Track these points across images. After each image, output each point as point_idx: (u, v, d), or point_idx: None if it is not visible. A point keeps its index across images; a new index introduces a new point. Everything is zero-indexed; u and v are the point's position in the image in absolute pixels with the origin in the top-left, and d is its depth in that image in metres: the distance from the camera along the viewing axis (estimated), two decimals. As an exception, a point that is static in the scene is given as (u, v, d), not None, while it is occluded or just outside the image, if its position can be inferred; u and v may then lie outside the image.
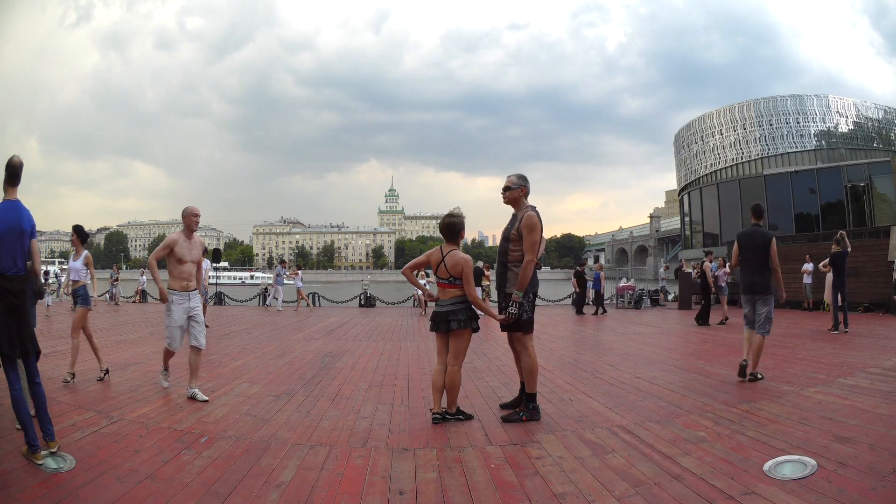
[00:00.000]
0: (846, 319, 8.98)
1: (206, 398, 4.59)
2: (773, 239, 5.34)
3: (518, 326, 3.96)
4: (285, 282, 16.43)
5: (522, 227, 3.89)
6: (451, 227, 3.99)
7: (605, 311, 14.21)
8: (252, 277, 75.46)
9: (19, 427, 3.21)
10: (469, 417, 4.01)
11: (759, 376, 5.16)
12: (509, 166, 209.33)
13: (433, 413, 3.99)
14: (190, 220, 5.06)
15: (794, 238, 21.07)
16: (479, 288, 13.84)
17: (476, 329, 3.96)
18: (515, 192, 4.06)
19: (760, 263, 5.30)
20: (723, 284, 11.59)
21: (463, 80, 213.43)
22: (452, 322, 3.87)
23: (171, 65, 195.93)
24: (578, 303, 14.71)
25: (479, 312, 4.05)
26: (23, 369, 3.21)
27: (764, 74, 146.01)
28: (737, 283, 14.46)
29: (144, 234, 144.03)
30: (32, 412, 3.24)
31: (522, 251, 3.90)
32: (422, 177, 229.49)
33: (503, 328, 4.08)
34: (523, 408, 4.05)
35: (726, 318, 11.07)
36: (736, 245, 5.56)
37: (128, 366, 6.11)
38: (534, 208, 4.00)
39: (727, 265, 11.87)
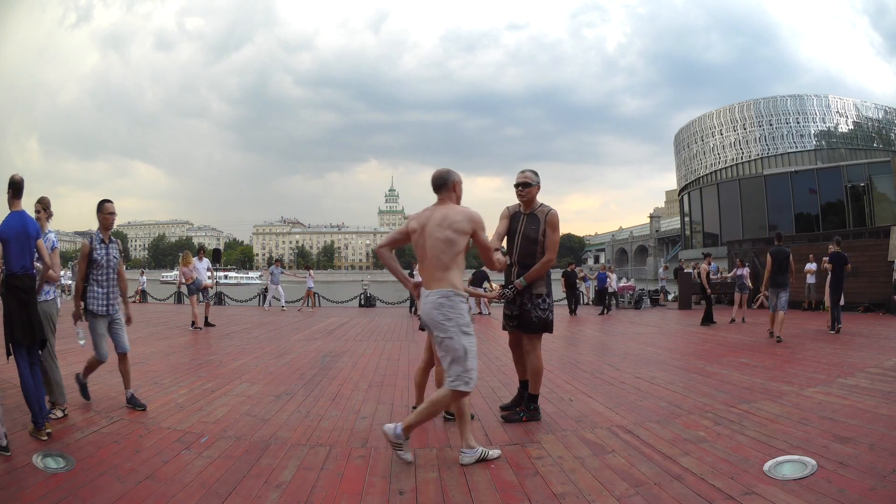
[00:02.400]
0: (839, 318, 8.92)
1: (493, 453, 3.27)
2: (790, 253, 8.49)
3: (545, 327, 3.92)
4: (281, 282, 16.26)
5: (548, 227, 3.84)
6: None
7: (608, 311, 14.14)
8: (226, 277, 70.12)
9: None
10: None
11: (780, 339, 8.02)
12: (509, 166, 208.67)
13: (413, 408, 4.07)
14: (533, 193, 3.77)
15: (794, 238, 21.05)
16: (482, 289, 13.80)
17: None
18: (535, 190, 3.95)
19: (783, 269, 8.33)
20: (746, 282, 11.62)
21: (462, 81, 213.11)
22: None
23: (170, 65, 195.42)
24: (569, 304, 14.61)
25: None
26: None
27: (764, 74, 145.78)
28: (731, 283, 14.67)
29: (144, 234, 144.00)
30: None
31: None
32: (422, 177, 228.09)
33: (527, 329, 3.94)
34: (524, 407, 4.04)
35: (742, 319, 11.09)
36: (769, 258, 8.43)
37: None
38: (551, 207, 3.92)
39: (745, 266, 12.00)
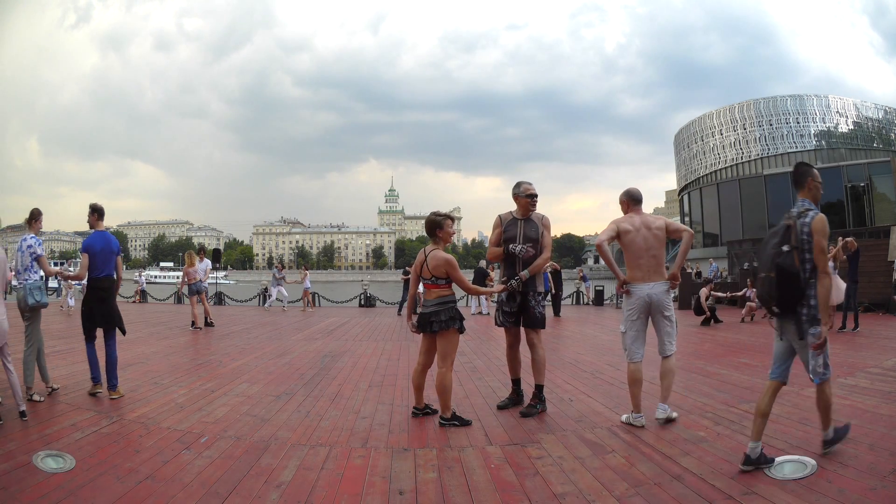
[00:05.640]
0: (856, 319, 9.06)
1: (674, 415, 3.91)
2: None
3: (543, 321, 4.27)
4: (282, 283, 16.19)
5: (545, 229, 4.24)
6: (428, 224, 4.06)
7: (558, 315, 13.87)
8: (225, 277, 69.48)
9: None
10: (466, 423, 3.88)
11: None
12: (508, 167, 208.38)
13: (413, 409, 4.16)
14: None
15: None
16: (484, 286, 13.74)
17: (461, 330, 3.95)
18: None
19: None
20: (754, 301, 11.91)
21: (461, 81, 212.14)
22: (434, 324, 3.88)
23: (169, 65, 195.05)
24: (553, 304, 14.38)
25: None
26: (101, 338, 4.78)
27: (763, 74, 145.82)
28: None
29: (144, 234, 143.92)
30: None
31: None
32: (421, 177, 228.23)
33: (532, 324, 4.22)
34: (537, 400, 4.22)
35: (742, 319, 11.31)
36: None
37: (128, 366, 6.09)
38: None
39: (755, 289, 12.28)
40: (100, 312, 4.74)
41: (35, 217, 4.85)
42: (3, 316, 3.92)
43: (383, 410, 4.33)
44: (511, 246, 4.18)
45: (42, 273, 4.82)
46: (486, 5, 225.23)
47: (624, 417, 3.94)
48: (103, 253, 4.77)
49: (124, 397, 4.59)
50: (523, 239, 4.19)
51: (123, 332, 4.90)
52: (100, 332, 4.80)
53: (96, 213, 4.89)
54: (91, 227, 4.90)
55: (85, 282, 4.90)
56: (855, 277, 9.16)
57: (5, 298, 4.34)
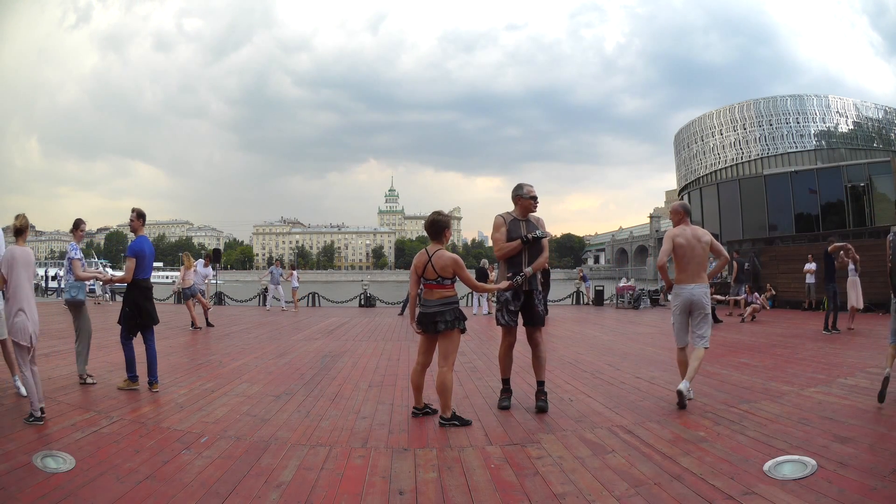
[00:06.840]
0: (835, 320, 9.10)
1: (692, 396, 4.43)
2: (745, 262, 13.87)
3: (544, 319, 4.45)
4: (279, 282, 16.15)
5: (544, 229, 4.40)
6: (434, 223, 3.98)
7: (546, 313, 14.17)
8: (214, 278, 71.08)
9: None
10: (466, 423, 3.88)
11: (744, 319, 11.54)
12: (508, 166, 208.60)
13: (413, 408, 4.15)
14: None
15: (793, 238, 21.02)
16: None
17: (463, 330, 3.95)
18: None
19: (742, 271, 13.54)
20: (757, 302, 12.29)
21: (461, 81, 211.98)
22: (440, 324, 3.85)
23: (169, 66, 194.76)
24: None
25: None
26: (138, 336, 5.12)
27: (763, 74, 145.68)
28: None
29: (144, 233, 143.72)
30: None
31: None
32: (421, 177, 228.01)
33: (536, 321, 4.35)
34: (543, 395, 4.33)
35: (742, 319, 11.57)
36: (735, 265, 13.33)
37: (128, 366, 6.09)
38: None
39: (755, 293, 12.77)
40: (146, 311, 5.06)
41: (77, 226, 5.35)
42: (34, 316, 3.93)
43: (383, 410, 4.33)
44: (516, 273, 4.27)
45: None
46: (485, 5, 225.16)
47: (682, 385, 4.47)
48: (150, 256, 5.21)
49: (124, 397, 4.60)
50: (537, 242, 4.33)
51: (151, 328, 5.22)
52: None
53: (142, 218, 5.21)
54: (134, 232, 5.23)
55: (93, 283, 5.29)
56: (833, 278, 9.40)
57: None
